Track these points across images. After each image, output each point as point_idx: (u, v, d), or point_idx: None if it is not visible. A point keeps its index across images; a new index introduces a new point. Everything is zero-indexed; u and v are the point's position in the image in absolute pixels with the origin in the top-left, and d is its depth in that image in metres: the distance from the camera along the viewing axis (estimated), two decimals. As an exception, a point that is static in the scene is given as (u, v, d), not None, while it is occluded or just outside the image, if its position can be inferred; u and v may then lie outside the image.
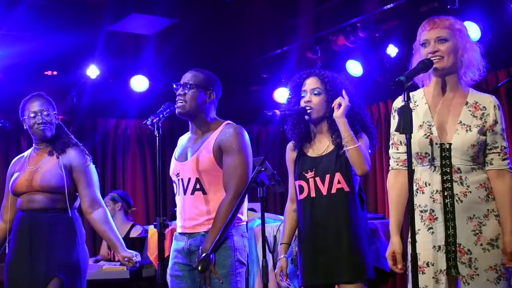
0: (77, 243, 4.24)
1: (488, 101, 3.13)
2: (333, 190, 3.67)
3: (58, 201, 4.22)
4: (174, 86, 3.78)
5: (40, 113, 4.29)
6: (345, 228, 3.64)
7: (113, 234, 4.34)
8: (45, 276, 4.13)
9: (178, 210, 3.76)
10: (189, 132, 3.87)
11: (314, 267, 3.71)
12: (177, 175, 3.73)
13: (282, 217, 5.91)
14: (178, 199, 3.76)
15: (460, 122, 3.09)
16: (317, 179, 3.71)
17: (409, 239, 3.01)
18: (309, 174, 3.74)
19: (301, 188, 3.77)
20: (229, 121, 3.79)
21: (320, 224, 3.68)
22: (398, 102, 3.22)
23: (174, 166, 3.80)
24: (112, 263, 6.36)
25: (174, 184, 3.79)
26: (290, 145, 3.92)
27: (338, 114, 3.61)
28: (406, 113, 2.86)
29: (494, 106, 3.11)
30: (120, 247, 4.30)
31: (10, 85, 6.90)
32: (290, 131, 3.85)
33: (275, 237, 5.62)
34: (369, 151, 3.74)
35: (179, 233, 3.73)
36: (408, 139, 2.86)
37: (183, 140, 3.89)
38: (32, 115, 4.29)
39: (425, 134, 3.11)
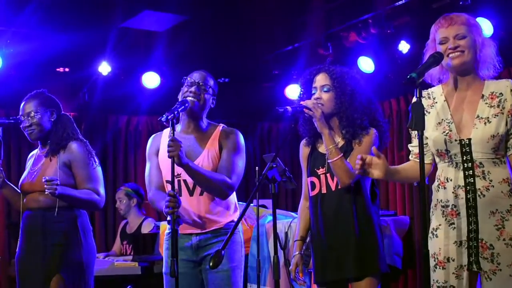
0: (80, 241, 4.21)
1: (504, 86, 3.10)
2: (341, 186, 3.67)
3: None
4: (191, 80, 3.78)
5: (27, 116, 4.29)
6: (353, 224, 3.65)
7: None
8: (48, 273, 4.14)
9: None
10: (177, 132, 3.77)
11: (325, 263, 3.72)
12: (178, 175, 3.69)
13: (293, 214, 5.93)
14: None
15: (478, 116, 3.07)
16: (328, 175, 3.72)
17: (430, 234, 3.02)
18: (321, 171, 3.75)
19: (313, 185, 3.78)
20: (222, 124, 3.88)
21: (330, 220, 3.70)
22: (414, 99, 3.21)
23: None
24: (125, 259, 6.39)
25: (168, 184, 3.72)
26: (303, 142, 3.93)
27: (319, 129, 3.64)
28: (418, 109, 2.83)
29: (511, 90, 3.08)
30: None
31: (21, 82, 6.90)
32: (302, 126, 3.85)
33: (286, 233, 5.62)
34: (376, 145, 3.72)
35: (183, 233, 3.73)
36: (420, 136, 2.84)
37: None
38: (22, 118, 4.31)
39: (444, 132, 3.09)
